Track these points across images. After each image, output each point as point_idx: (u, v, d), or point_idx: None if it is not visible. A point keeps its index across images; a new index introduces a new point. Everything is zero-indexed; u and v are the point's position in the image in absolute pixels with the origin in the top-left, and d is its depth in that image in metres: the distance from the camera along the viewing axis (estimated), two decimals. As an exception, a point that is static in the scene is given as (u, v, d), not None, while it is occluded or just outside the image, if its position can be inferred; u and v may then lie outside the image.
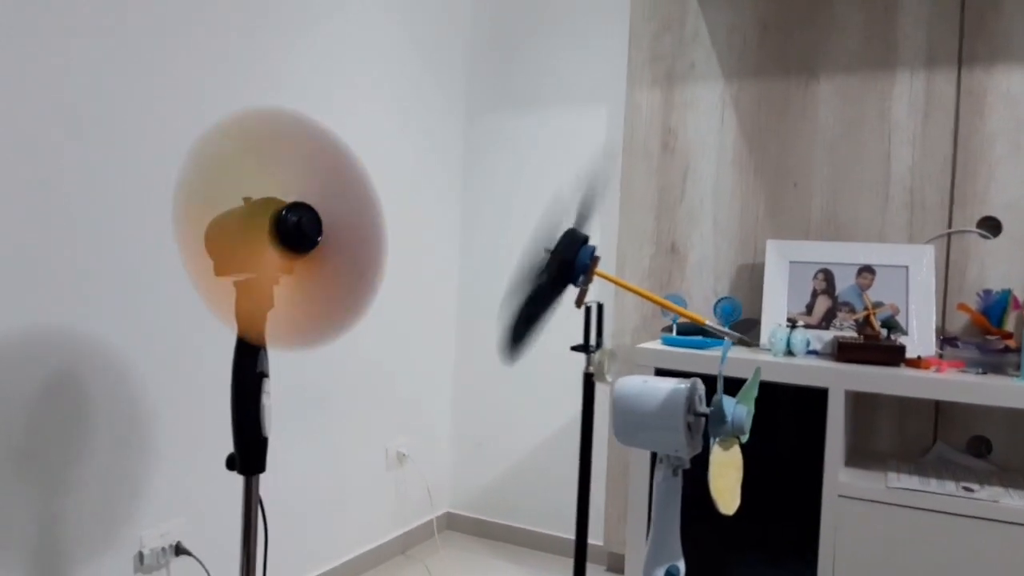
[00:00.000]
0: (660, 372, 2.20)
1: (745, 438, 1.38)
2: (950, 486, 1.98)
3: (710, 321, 2.51)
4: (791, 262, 2.38)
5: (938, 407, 2.31)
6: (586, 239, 1.59)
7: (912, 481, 2.02)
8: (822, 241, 2.43)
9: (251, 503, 1.25)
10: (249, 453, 1.23)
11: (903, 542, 1.96)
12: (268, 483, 2.31)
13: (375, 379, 2.75)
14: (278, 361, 2.29)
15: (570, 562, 2.92)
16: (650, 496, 2.20)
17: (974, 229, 2.29)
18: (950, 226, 2.33)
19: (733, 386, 1.40)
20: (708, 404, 1.40)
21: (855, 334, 2.23)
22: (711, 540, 2.16)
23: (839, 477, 2.02)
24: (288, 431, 2.37)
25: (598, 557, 2.91)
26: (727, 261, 2.62)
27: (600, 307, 1.53)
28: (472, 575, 2.77)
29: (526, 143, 3.02)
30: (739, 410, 1.36)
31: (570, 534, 2.96)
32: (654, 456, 1.44)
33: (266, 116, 1.36)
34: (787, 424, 2.03)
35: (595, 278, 1.43)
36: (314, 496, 2.49)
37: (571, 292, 1.69)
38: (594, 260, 1.50)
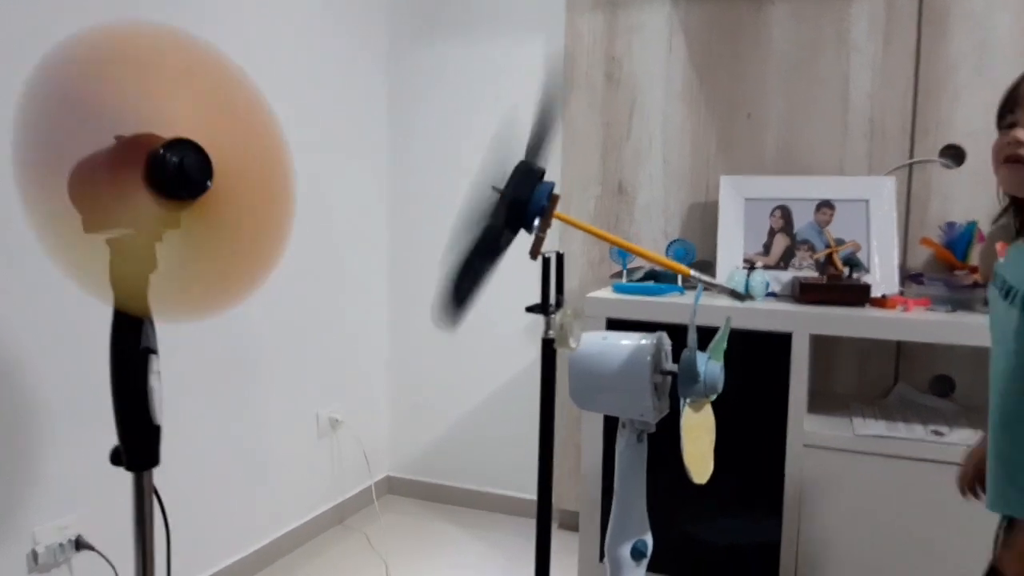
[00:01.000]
0: (613, 324, 2.05)
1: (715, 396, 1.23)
2: (918, 430, 1.90)
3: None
4: (746, 199, 2.25)
5: (900, 346, 2.23)
6: (542, 174, 1.35)
7: (879, 427, 1.93)
8: (778, 176, 2.30)
9: (143, 502, 1.05)
10: (136, 445, 1.03)
11: (872, 491, 1.88)
12: (180, 464, 2.10)
13: (301, 342, 2.54)
14: (184, 329, 2.06)
15: (515, 520, 2.80)
16: (606, 452, 2.07)
17: (937, 159, 2.19)
18: (911, 156, 2.22)
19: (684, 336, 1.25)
20: (675, 360, 1.25)
21: (816, 274, 2.11)
22: (671, 500, 2.05)
23: (804, 426, 1.92)
24: (200, 405, 2.16)
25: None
26: (678, 201, 2.48)
27: (560, 258, 1.26)
28: (413, 539, 2.63)
29: (456, 77, 2.79)
30: (711, 366, 1.22)
31: (514, 491, 2.84)
32: (615, 420, 1.29)
33: (139, 32, 1.12)
34: (745, 370, 1.91)
35: (554, 222, 1.25)
36: (236, 473, 2.30)
37: (523, 240, 1.49)
38: (553, 200, 1.28)
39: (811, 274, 2.13)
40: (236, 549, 2.32)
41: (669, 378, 1.26)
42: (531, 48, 2.67)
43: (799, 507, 1.93)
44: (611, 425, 2.01)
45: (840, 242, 2.13)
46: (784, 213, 2.22)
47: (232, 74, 1.16)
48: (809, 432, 1.92)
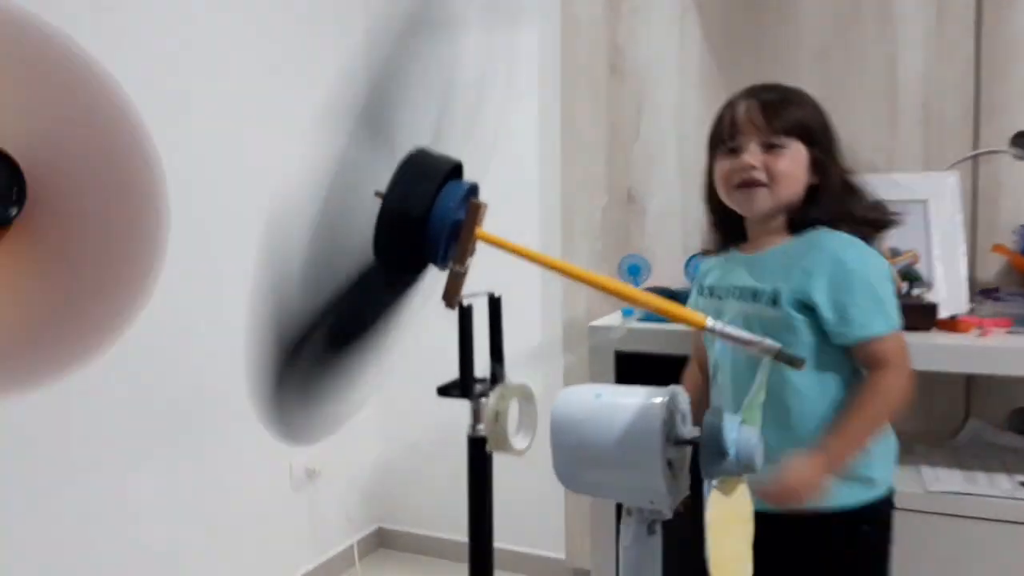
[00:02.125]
0: (623, 360, 1.73)
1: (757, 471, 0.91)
2: (1002, 482, 1.57)
3: (680, 285, 2.05)
4: (779, 204, 1.92)
5: (971, 375, 1.89)
6: (455, 170, 0.88)
7: (954, 479, 1.60)
8: (816, 175, 1.97)
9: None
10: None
11: (948, 559, 1.54)
12: (117, 532, 1.80)
13: (268, 383, 2.24)
14: (125, 366, 1.77)
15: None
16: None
17: (1007, 148, 1.85)
18: (976, 147, 1.89)
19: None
20: (697, 423, 0.93)
21: (868, 291, 1.78)
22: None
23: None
24: (146, 459, 1.86)
25: (560, 574, 2.47)
26: (698, 209, 2.13)
27: (496, 304, 0.76)
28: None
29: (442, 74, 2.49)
30: (745, 434, 0.89)
31: (526, 547, 2.52)
32: (619, 506, 0.97)
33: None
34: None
35: (479, 244, 0.75)
36: (191, 540, 2.00)
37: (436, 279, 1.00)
38: (473, 211, 0.78)
39: (861, 292, 1.79)
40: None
41: (688, 449, 0.94)
42: (524, 41, 2.38)
43: (859, 580, 1.59)
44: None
45: (895, 252, 1.80)
46: (825, 219, 1.89)
47: (77, 59, 0.86)
48: (867, 486, 1.58)
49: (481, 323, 0.70)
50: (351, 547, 2.52)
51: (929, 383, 1.91)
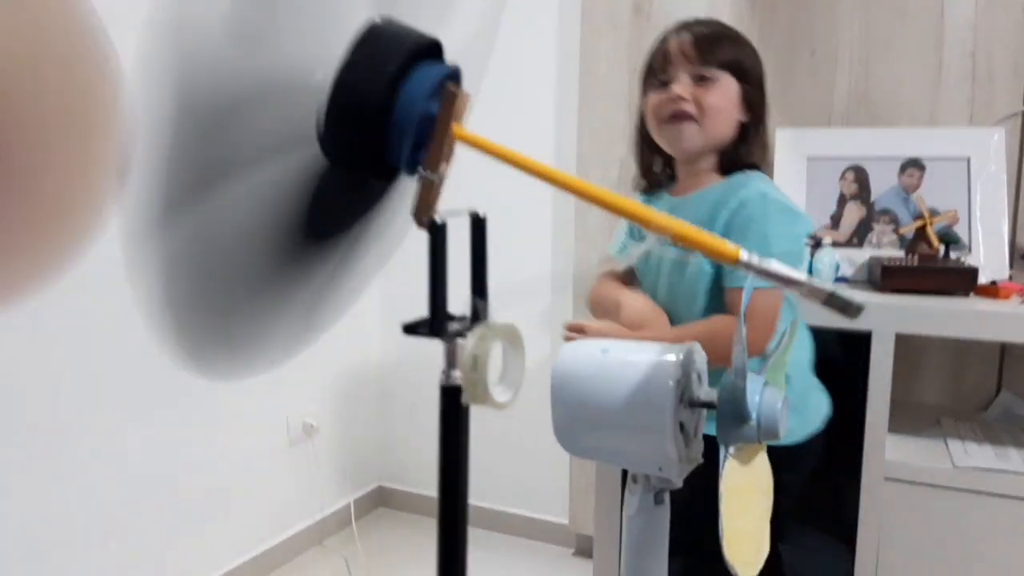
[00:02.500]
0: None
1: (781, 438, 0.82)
2: (1038, 460, 1.47)
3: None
4: (809, 158, 1.81)
5: (1004, 345, 1.79)
6: (430, 51, 0.69)
7: (984, 455, 1.51)
8: (851, 128, 1.86)
9: None
10: None
11: (976, 539, 1.45)
12: (119, 479, 1.74)
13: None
14: (117, 314, 1.69)
15: (529, 544, 2.42)
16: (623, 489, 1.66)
17: (1059, 104, 1.73)
18: (1026, 101, 1.76)
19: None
20: (715, 384, 0.84)
21: (901, 253, 1.67)
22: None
23: (884, 452, 1.49)
24: (144, 408, 1.80)
25: (565, 539, 2.42)
26: (722, 161, 2.04)
27: (479, 225, 0.60)
28: (401, 562, 2.26)
29: (448, 17, 2.37)
30: (769, 396, 0.80)
31: (528, 511, 2.46)
32: (625, 472, 0.89)
33: None
34: (810, 380, 1.49)
35: (459, 147, 0.58)
36: (190, 491, 1.94)
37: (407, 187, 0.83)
38: (447, 100, 0.61)
39: (895, 253, 1.69)
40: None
41: (703, 412, 0.85)
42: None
43: (876, 559, 1.51)
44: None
45: (934, 212, 1.69)
46: (859, 175, 1.78)
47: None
48: (892, 461, 1.50)
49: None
50: (348, 506, 2.47)
51: (960, 352, 1.81)
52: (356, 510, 2.47)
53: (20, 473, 1.59)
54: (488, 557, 2.35)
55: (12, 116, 0.72)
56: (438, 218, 0.47)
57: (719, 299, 1.27)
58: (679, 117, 1.24)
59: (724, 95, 1.25)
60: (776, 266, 0.53)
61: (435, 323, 0.49)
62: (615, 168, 2.16)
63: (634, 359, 0.84)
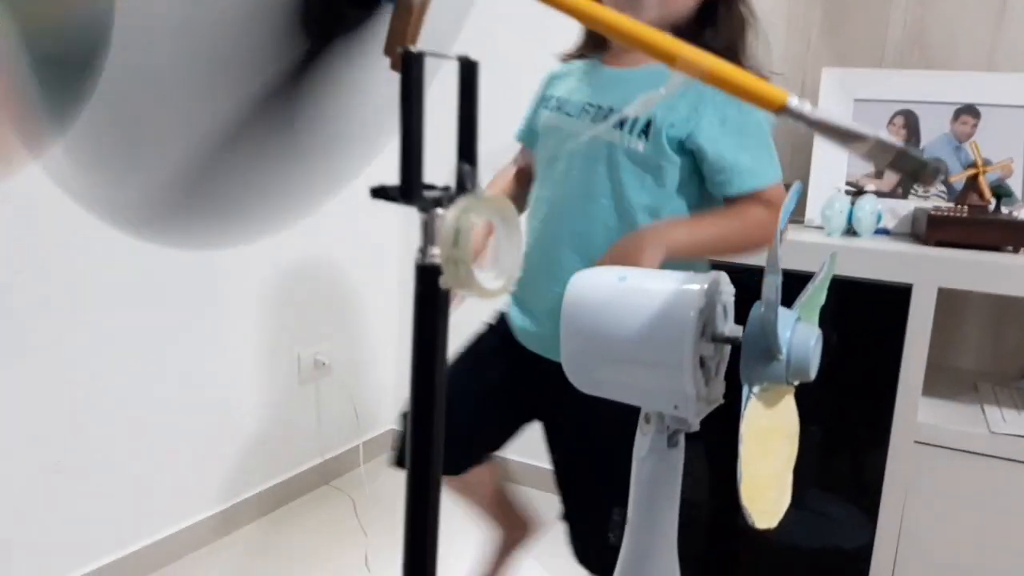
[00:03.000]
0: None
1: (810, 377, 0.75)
2: (1083, 430, 1.39)
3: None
4: (856, 100, 1.71)
5: (1052, 310, 1.70)
6: None
7: (1022, 422, 1.42)
8: (903, 70, 1.75)
9: None
10: None
11: (1010, 509, 1.38)
12: (125, 411, 1.72)
13: (278, 260, 2.12)
14: (108, 245, 1.65)
15: (538, 495, 2.38)
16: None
17: None
18: (1096, 47, 1.64)
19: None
20: (740, 320, 0.77)
21: (950, 204, 1.57)
22: (719, 498, 1.59)
23: (917, 415, 1.42)
24: (148, 338, 1.77)
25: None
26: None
27: (469, 71, 0.46)
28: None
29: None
30: (802, 332, 0.73)
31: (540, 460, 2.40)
32: (635, 409, 0.83)
33: None
34: (840, 334, 1.41)
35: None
36: (196, 422, 1.92)
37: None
38: None
39: (942, 204, 1.59)
40: (196, 510, 1.96)
41: (727, 348, 0.78)
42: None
43: (900, 526, 1.45)
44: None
45: (988, 163, 1.58)
46: (908, 120, 1.67)
47: None
48: (924, 424, 1.42)
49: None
50: (357, 447, 2.44)
51: (1000, 311, 1.72)
52: (365, 453, 2.44)
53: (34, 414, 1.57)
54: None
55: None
56: (413, 48, 0.38)
57: (667, 202, 1.12)
58: None
59: None
60: (835, 117, 0.44)
61: (407, 185, 0.40)
62: (647, 108, 2.07)
63: (653, 287, 0.77)
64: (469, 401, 1.28)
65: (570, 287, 0.81)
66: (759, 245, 1.12)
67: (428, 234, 0.40)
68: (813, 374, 0.73)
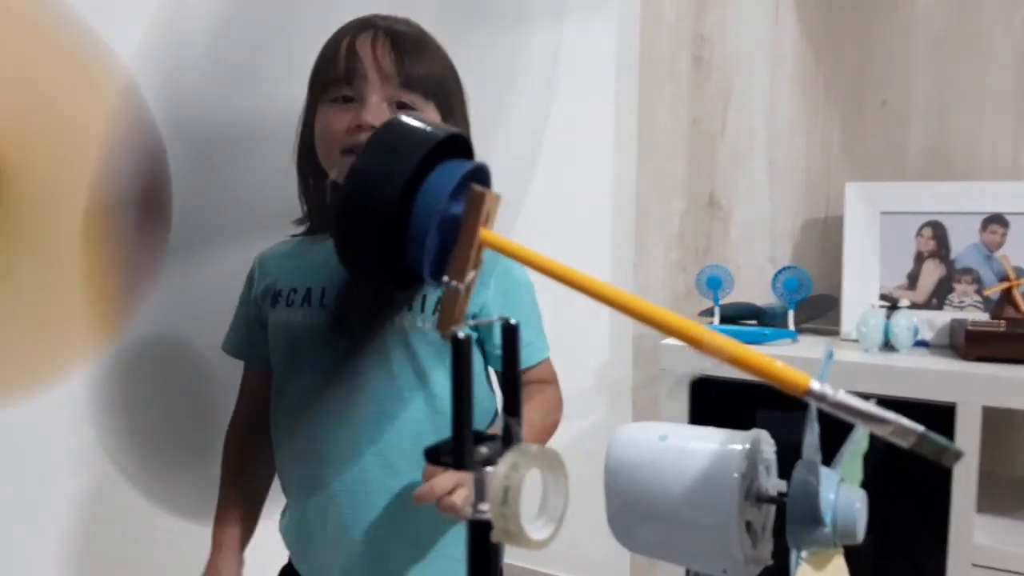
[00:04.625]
0: (699, 389, 1.58)
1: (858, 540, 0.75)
2: None
3: (767, 302, 1.87)
4: (883, 213, 1.74)
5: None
6: (455, 147, 0.62)
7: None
8: (927, 182, 1.78)
9: None
10: None
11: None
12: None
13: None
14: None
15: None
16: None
17: None
18: (1121, 152, 1.66)
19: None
20: (783, 476, 0.78)
21: (986, 316, 1.57)
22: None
23: (973, 536, 1.39)
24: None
25: (623, 611, 2.32)
26: (788, 216, 1.98)
27: (511, 334, 0.50)
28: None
29: (506, 70, 2.37)
30: (846, 495, 0.74)
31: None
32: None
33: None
34: (885, 456, 1.40)
35: (486, 251, 0.52)
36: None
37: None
38: (474, 203, 0.51)
39: (979, 316, 1.59)
40: None
41: (771, 509, 0.79)
42: (599, 32, 2.23)
43: (967, 653, 1.40)
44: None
45: (1020, 273, 1.59)
46: (937, 232, 1.69)
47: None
48: (981, 547, 1.39)
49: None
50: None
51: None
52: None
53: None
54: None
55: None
56: (461, 332, 0.42)
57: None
58: None
59: None
60: (856, 401, 0.46)
61: (459, 454, 0.43)
62: (675, 221, 2.12)
63: (695, 447, 0.79)
64: None
65: (611, 445, 0.82)
66: (556, 425, 1.13)
67: (479, 491, 0.43)
68: (860, 537, 0.73)
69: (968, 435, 1.37)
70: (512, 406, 0.47)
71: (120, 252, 0.79)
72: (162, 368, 1.24)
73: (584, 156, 2.26)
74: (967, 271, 1.66)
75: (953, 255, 1.68)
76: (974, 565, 1.39)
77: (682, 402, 1.64)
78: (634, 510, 0.81)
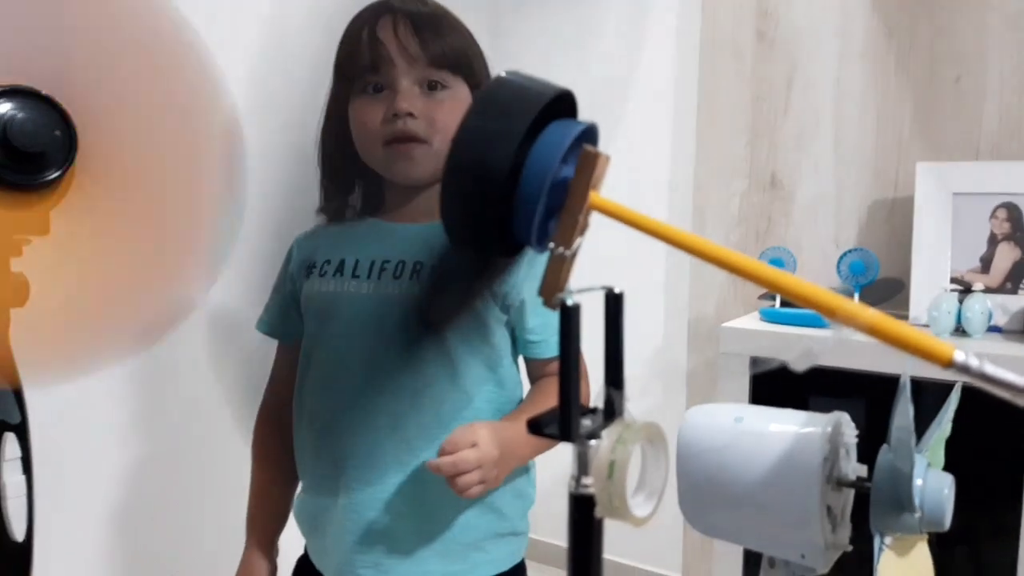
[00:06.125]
0: (761, 373, 1.55)
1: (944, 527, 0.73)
2: None
3: (830, 285, 1.83)
4: (955, 194, 1.69)
5: None
6: (562, 105, 0.56)
7: None
8: (1002, 162, 1.72)
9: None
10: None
11: None
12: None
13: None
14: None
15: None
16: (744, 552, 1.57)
17: None
18: None
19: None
20: (864, 460, 0.76)
21: (1066, 301, 1.52)
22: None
23: (1048, 530, 1.35)
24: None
25: (675, 596, 2.31)
26: (855, 197, 1.93)
27: (616, 301, 0.49)
28: None
29: (567, 43, 2.35)
30: (935, 480, 0.72)
31: (644, 563, 2.36)
32: (755, 556, 0.82)
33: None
34: (957, 445, 1.36)
35: (593, 218, 0.49)
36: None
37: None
38: (586, 164, 0.50)
39: (1057, 301, 1.54)
40: None
41: (851, 493, 0.77)
42: (661, 7, 2.20)
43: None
44: (755, 558, 1.51)
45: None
46: (1011, 213, 1.64)
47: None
48: (1058, 537, 1.35)
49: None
50: None
51: None
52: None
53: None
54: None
55: (119, 146, 0.72)
56: (569, 300, 0.41)
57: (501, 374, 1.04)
58: (406, 139, 0.98)
59: (460, 108, 0.97)
60: (1004, 372, 0.43)
61: (566, 425, 0.42)
62: (735, 202, 2.08)
63: (773, 430, 0.77)
64: None
65: (683, 428, 0.81)
66: None
67: (582, 465, 0.42)
68: (947, 524, 0.71)
69: (1046, 424, 1.33)
70: (615, 378, 0.46)
71: (194, 239, 0.80)
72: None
73: (641, 135, 2.23)
74: (1044, 254, 1.61)
75: (1029, 237, 1.63)
76: (1049, 557, 1.35)
77: (743, 387, 1.62)
78: (708, 493, 0.80)
